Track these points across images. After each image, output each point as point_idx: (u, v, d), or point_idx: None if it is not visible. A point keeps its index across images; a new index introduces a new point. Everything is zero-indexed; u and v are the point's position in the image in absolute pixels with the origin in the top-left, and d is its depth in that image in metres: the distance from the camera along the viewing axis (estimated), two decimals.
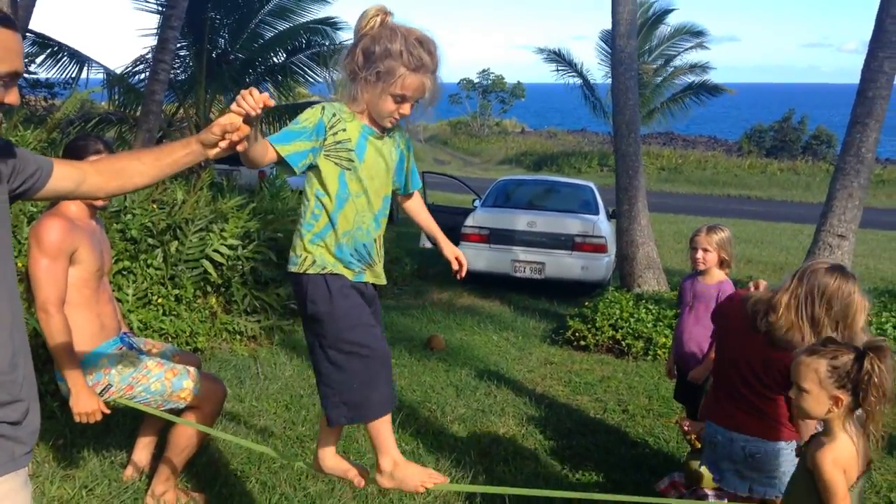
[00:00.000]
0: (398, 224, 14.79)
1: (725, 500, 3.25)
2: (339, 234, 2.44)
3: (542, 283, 9.05)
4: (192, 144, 1.97)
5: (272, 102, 2.03)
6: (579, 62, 23.56)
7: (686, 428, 3.47)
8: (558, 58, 23.47)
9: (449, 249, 2.93)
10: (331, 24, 11.97)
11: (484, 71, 40.62)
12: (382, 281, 2.63)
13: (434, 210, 10.38)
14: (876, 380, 2.23)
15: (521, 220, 9.10)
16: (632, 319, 6.58)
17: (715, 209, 19.56)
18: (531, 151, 33.35)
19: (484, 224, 9.30)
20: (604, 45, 22.02)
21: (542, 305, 8.62)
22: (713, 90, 23.43)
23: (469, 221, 9.44)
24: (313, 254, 2.44)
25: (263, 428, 4.59)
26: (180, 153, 1.97)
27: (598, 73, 23.82)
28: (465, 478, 4.09)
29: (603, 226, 9.21)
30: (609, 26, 8.28)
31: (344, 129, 2.42)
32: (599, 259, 8.90)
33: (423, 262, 10.33)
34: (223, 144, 1.96)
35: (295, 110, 12.33)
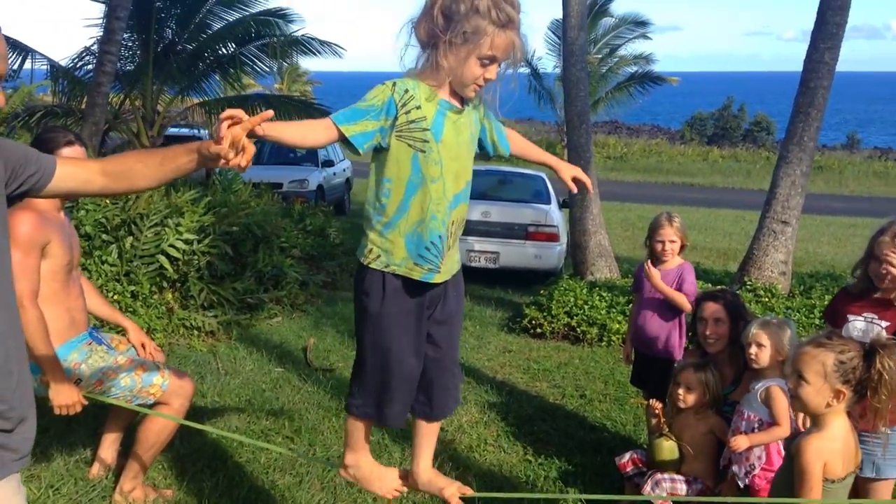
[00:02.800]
0: (351, 216, 14.78)
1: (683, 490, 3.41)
2: (411, 225, 2.24)
3: (496, 272, 9.18)
4: (194, 152, 1.92)
5: (268, 115, 1.89)
6: (529, 52, 23.71)
7: (657, 410, 3.60)
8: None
9: (565, 170, 2.68)
10: (281, 15, 11.86)
11: None
12: (454, 270, 2.43)
13: None
14: (887, 377, 2.27)
15: (475, 211, 9.19)
16: (586, 307, 6.73)
17: (660, 196, 19.97)
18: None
19: None
20: (552, 36, 22.22)
21: (497, 294, 8.74)
22: (657, 80, 23.83)
23: None
24: (380, 247, 2.27)
25: (227, 423, 4.59)
26: (184, 159, 1.93)
27: (549, 62, 24.00)
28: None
29: (555, 215, 9.37)
30: (558, 16, 8.39)
31: (418, 107, 2.19)
32: (552, 248, 9.07)
33: None
34: (222, 164, 1.87)
35: (242, 102, 12.22)
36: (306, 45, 11.76)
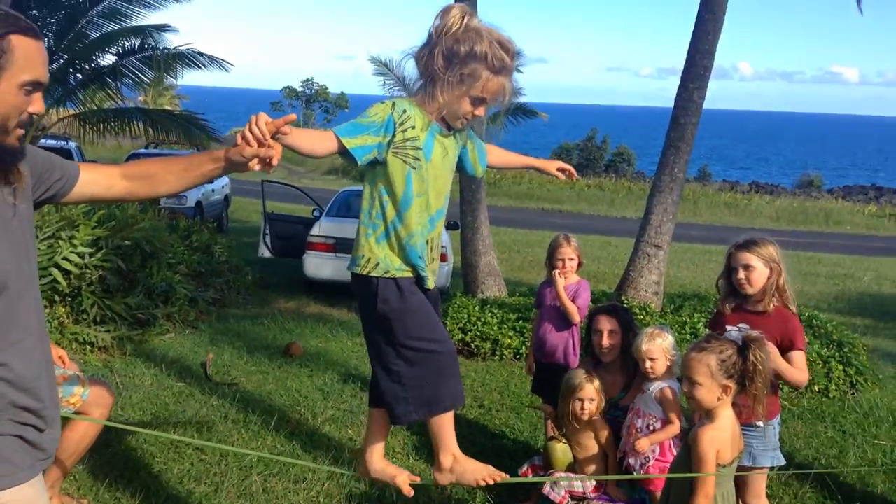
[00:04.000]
0: (230, 234, 14.57)
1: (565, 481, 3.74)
2: (405, 236, 2.42)
3: None
4: (220, 160, 1.99)
5: (291, 118, 2.03)
6: (409, 76, 24.05)
7: (549, 414, 3.93)
8: (387, 70, 23.89)
9: (550, 165, 2.94)
10: (162, 29, 11.67)
11: (307, 80, 40.43)
12: (433, 285, 2.57)
13: (274, 219, 10.45)
14: (761, 367, 2.66)
15: None
16: (479, 323, 7.06)
17: (532, 222, 20.80)
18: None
19: (330, 233, 9.48)
20: None
21: None
22: (529, 114, 24.82)
23: (315, 231, 9.59)
24: (378, 255, 2.41)
25: (136, 436, 4.55)
26: (209, 167, 2.00)
27: None
28: (343, 474, 4.26)
29: (443, 236, 9.70)
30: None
31: (413, 127, 2.37)
32: (441, 268, 9.38)
33: (264, 272, 10.33)
34: (251, 167, 1.96)
35: (120, 115, 11.87)
36: (191, 59, 11.60)
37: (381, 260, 2.43)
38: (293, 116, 2.09)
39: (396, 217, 2.42)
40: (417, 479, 2.67)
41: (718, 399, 2.70)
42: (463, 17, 2.33)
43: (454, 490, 4.19)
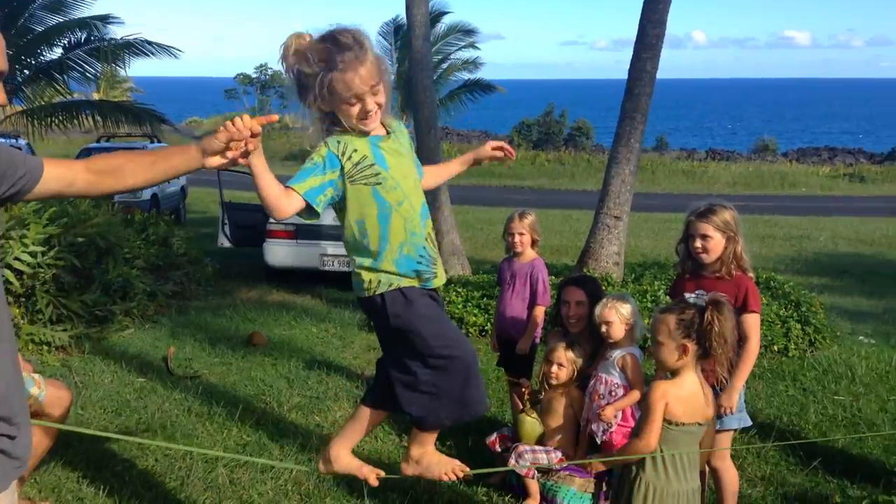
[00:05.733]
0: (188, 225, 14.37)
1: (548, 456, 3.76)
2: (396, 249, 2.41)
3: (350, 275, 9.29)
4: (191, 151, 1.95)
5: (273, 119, 2.09)
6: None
7: (524, 389, 3.95)
8: None
9: (484, 150, 2.88)
10: (106, 20, 11.41)
11: (261, 66, 39.86)
12: (443, 280, 2.59)
13: (232, 208, 10.30)
14: (717, 328, 2.69)
15: (327, 215, 9.27)
16: (444, 303, 7.05)
17: (494, 199, 20.83)
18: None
19: (290, 220, 9.35)
20: (382, 41, 22.51)
21: (353, 297, 8.79)
22: (486, 88, 24.76)
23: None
24: (378, 275, 2.42)
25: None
26: (177, 159, 1.95)
27: None
28: (311, 460, 4.24)
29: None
30: (388, 20, 8.66)
31: (356, 150, 2.39)
32: None
33: (224, 262, 10.21)
34: (229, 154, 1.95)
35: (68, 109, 11.60)
36: (139, 48, 11.37)
37: (383, 277, 2.44)
38: (275, 117, 2.15)
39: (381, 237, 2.42)
40: (382, 473, 2.71)
41: (678, 359, 2.74)
42: (294, 43, 2.36)
43: None
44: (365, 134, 2.43)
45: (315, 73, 2.32)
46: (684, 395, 2.76)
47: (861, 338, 7.04)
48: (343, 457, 2.72)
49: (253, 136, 2.03)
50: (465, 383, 2.45)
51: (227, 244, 10.24)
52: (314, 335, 6.95)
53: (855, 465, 4.28)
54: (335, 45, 2.33)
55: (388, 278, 2.44)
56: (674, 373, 2.80)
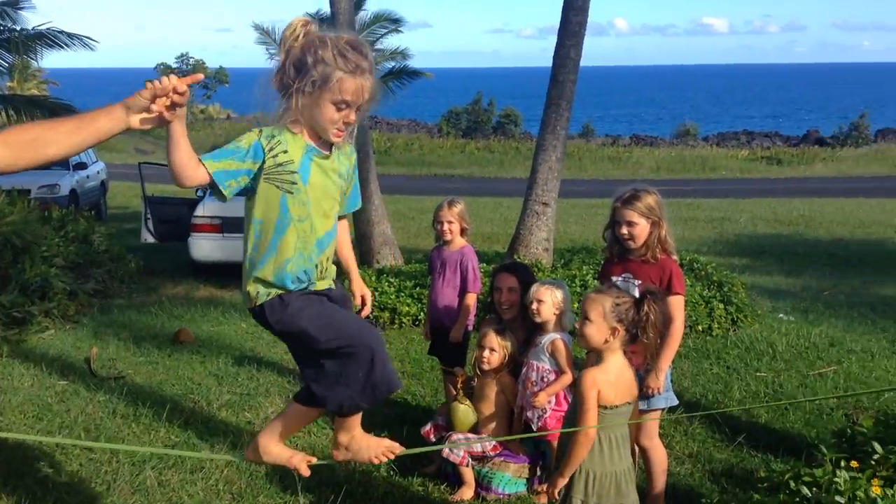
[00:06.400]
0: (110, 221, 13.92)
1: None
2: (282, 262, 2.35)
3: None
4: (117, 111, 1.86)
5: (199, 78, 2.04)
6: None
7: (459, 377, 3.96)
8: (270, 38, 23.18)
9: (357, 285, 2.85)
10: (16, 5, 10.89)
11: (182, 55, 38.85)
12: (331, 278, 2.53)
13: (156, 202, 10.02)
14: (653, 317, 2.77)
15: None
16: (376, 293, 7.01)
17: (425, 188, 20.83)
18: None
19: (216, 213, 9.16)
20: None
21: None
22: (413, 74, 24.67)
23: (199, 212, 9.24)
24: (258, 286, 2.38)
25: (15, 441, 4.30)
26: (102, 120, 1.86)
27: None
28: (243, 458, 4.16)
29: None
30: (312, 12, 8.55)
31: (285, 151, 2.32)
32: None
33: (149, 258, 9.93)
34: (155, 107, 1.86)
35: None
36: (52, 39, 10.91)
37: (261, 289, 2.40)
38: (200, 76, 2.09)
39: (270, 244, 2.37)
40: (314, 460, 2.66)
41: (606, 341, 2.80)
42: (304, 26, 2.32)
43: (358, 463, 4.16)
44: (307, 143, 2.37)
45: (324, 62, 2.26)
46: (613, 378, 2.82)
47: (781, 315, 7.30)
48: (272, 448, 2.67)
49: (178, 94, 1.97)
50: (369, 368, 2.42)
51: (150, 240, 9.97)
52: (244, 331, 6.82)
53: (778, 439, 4.44)
54: (356, 50, 2.30)
55: (266, 288, 2.39)
56: (598, 354, 2.85)
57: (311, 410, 2.67)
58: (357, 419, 2.61)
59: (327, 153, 2.41)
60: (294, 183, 2.34)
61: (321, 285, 2.49)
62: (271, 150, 2.31)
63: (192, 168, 2.21)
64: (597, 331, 2.80)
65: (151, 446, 4.33)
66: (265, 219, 2.36)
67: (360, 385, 2.43)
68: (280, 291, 2.39)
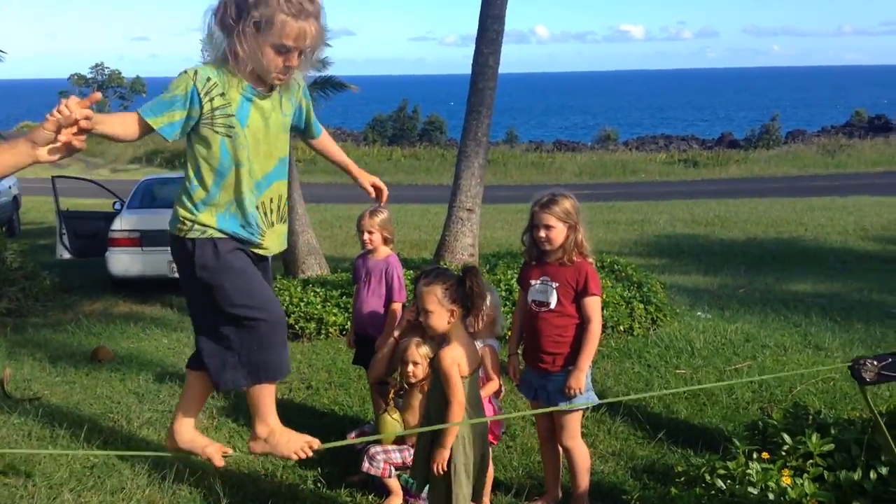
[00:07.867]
0: (23, 237, 13.41)
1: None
2: (223, 206, 2.31)
3: None
4: (20, 146, 1.82)
5: (97, 98, 1.98)
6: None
7: (392, 388, 3.98)
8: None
9: (363, 177, 2.85)
10: None
11: (97, 65, 37.73)
12: (281, 247, 2.51)
13: (71, 217, 9.70)
14: (477, 290, 3.01)
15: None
16: (302, 304, 6.95)
17: (351, 196, 20.50)
18: (162, 149, 31.83)
19: (134, 227, 8.93)
20: None
21: None
22: (338, 86, 24.52)
23: (116, 225, 9.00)
24: (196, 219, 2.31)
25: None
26: (6, 157, 1.82)
27: None
28: (165, 478, 4.03)
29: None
30: None
31: (222, 94, 2.25)
32: None
33: (65, 275, 9.61)
34: (62, 138, 1.83)
35: None
36: None
37: (200, 223, 2.35)
38: (98, 95, 2.03)
39: (214, 185, 2.34)
40: (230, 451, 2.64)
41: (448, 322, 3.03)
42: None
43: (284, 476, 4.13)
44: (246, 84, 2.31)
45: (266, 2, 2.19)
46: (463, 352, 3.05)
47: (699, 313, 7.53)
48: (185, 432, 2.63)
49: (85, 119, 1.94)
50: (267, 345, 2.39)
51: (66, 255, 9.65)
52: (165, 346, 6.67)
53: (697, 434, 4.58)
54: None
55: (203, 226, 2.36)
56: (445, 336, 3.06)
57: (202, 376, 2.60)
58: (271, 407, 2.57)
59: (267, 94, 2.37)
60: (231, 126, 2.30)
61: (264, 250, 2.46)
62: (207, 93, 2.26)
63: (133, 127, 2.20)
64: (439, 318, 3.03)
65: (69, 468, 4.18)
66: (206, 163, 2.33)
67: (252, 360, 2.39)
68: (216, 235, 2.35)
